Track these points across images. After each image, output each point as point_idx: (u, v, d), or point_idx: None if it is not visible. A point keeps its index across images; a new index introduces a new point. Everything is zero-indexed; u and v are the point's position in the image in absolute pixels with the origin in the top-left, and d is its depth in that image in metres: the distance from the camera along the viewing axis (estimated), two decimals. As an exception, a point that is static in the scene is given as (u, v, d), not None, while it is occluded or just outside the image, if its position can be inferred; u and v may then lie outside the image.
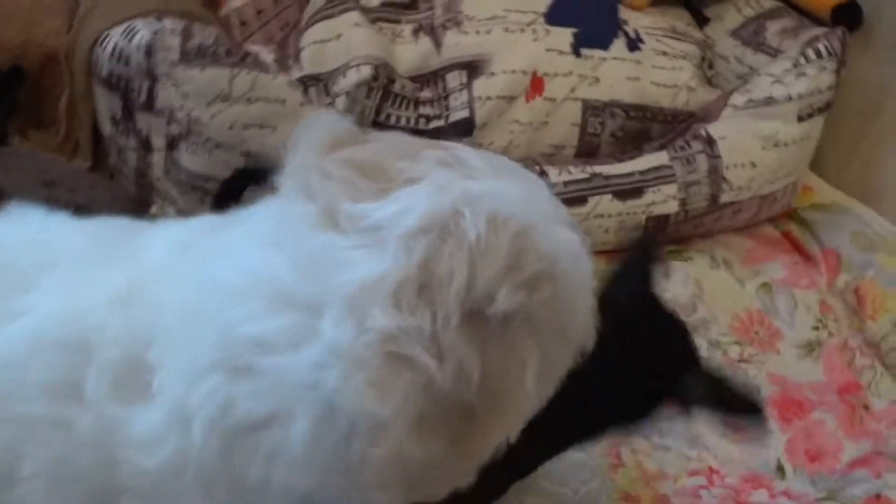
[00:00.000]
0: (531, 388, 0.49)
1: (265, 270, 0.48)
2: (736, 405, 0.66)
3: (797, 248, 1.17)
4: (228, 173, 0.79)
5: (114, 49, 0.84)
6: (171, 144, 0.86)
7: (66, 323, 0.51)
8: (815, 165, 1.20)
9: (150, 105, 0.85)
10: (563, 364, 0.53)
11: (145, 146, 0.88)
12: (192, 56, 0.82)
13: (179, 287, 0.51)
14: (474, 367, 0.47)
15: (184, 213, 0.88)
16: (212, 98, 0.83)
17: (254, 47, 1.06)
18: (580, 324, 0.52)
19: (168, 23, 0.82)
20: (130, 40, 0.83)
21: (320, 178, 0.50)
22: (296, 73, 1.00)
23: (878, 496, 0.91)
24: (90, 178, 0.92)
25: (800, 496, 0.90)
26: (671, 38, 1.14)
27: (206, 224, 0.55)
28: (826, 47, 1.08)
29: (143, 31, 0.83)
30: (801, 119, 1.07)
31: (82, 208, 0.77)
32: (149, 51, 0.82)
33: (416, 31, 1.05)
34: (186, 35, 0.82)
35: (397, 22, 1.06)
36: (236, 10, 1.11)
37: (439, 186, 0.49)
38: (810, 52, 1.07)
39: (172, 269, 0.52)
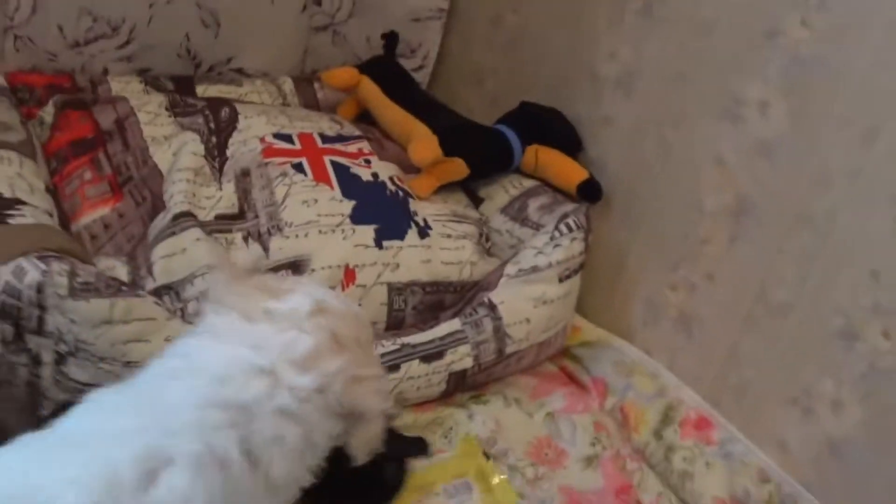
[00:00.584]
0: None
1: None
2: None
3: (572, 379, 1.45)
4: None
5: (6, 287, 1.04)
6: (59, 360, 1.05)
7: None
8: (580, 309, 1.50)
9: (40, 329, 1.04)
10: None
11: (35, 361, 1.06)
12: (79, 291, 1.03)
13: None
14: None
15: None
16: (97, 323, 1.03)
17: (107, 261, 1.27)
18: None
19: (55, 265, 1.03)
20: (21, 280, 1.03)
21: (236, 296, 0.87)
22: (150, 285, 1.21)
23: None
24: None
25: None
26: (453, 221, 1.42)
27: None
28: (575, 221, 1.38)
29: (32, 272, 1.03)
30: (561, 280, 1.35)
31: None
32: (39, 288, 1.02)
33: (245, 238, 1.28)
34: (72, 274, 1.03)
35: (229, 231, 1.29)
36: (86, 227, 1.30)
37: (306, 293, 0.88)
38: (563, 227, 1.36)
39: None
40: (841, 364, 1.17)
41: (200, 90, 1.59)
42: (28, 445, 0.79)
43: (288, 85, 1.68)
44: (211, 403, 0.80)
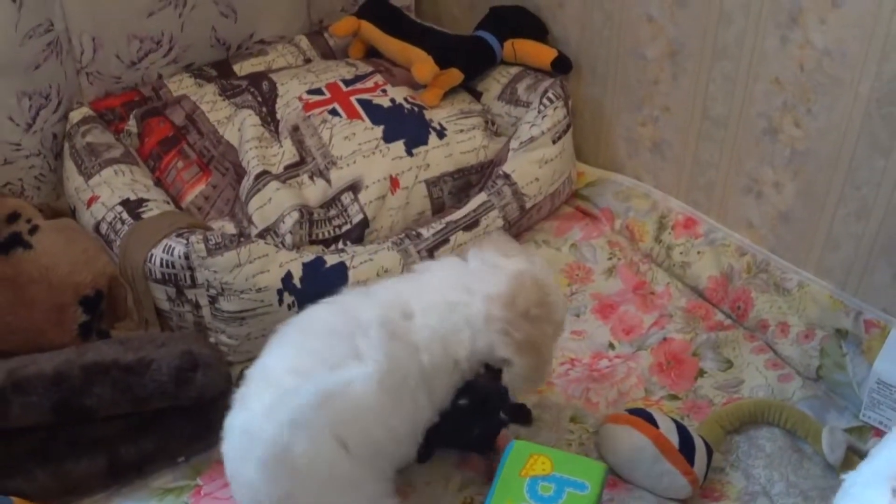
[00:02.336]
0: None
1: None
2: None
3: (585, 213, 1.88)
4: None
5: (161, 261, 1.51)
6: (213, 301, 1.53)
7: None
8: (580, 157, 1.93)
9: (193, 283, 1.51)
10: None
11: (196, 306, 1.54)
12: (213, 250, 1.49)
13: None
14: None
15: (232, 337, 1.55)
16: (231, 268, 1.49)
17: (217, 223, 1.73)
18: None
19: (192, 238, 1.50)
20: (171, 254, 1.50)
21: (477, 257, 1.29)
22: (254, 231, 1.67)
23: (664, 339, 1.63)
24: (163, 336, 1.56)
25: (625, 356, 1.62)
26: (461, 118, 1.84)
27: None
28: (553, 93, 1.80)
29: (178, 246, 1.50)
30: (554, 142, 1.77)
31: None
32: (187, 256, 1.49)
33: (311, 177, 1.72)
34: (206, 240, 1.49)
35: (297, 176, 1.73)
36: (192, 202, 1.75)
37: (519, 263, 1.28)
38: (545, 101, 1.78)
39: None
40: (772, 154, 1.59)
41: (237, 68, 2.01)
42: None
43: (304, 42, 2.10)
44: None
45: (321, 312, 1.27)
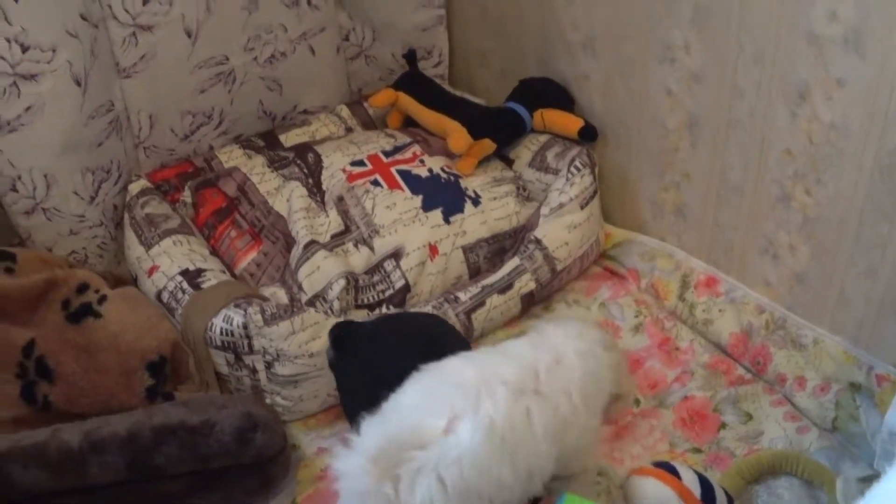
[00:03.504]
0: None
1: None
2: None
3: (613, 273, 2.03)
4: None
5: (221, 330, 1.67)
6: (268, 366, 1.69)
7: None
8: (607, 219, 2.07)
9: (250, 350, 1.68)
10: None
11: (253, 371, 1.70)
12: (269, 320, 1.65)
13: None
14: None
15: (287, 398, 1.71)
16: (286, 336, 1.65)
17: (268, 289, 1.89)
18: None
19: (250, 309, 1.66)
20: (230, 323, 1.66)
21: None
22: (304, 298, 1.82)
23: (686, 397, 1.77)
24: (223, 398, 1.72)
25: (648, 411, 1.75)
26: (495, 185, 1.99)
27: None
28: (580, 161, 1.95)
29: (236, 317, 1.66)
30: (582, 207, 1.92)
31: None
32: (245, 326, 1.65)
33: (355, 245, 1.88)
34: (262, 311, 1.66)
35: (343, 244, 1.89)
36: (244, 269, 1.92)
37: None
38: (573, 168, 1.94)
39: None
40: (786, 218, 1.72)
41: (283, 138, 2.19)
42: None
43: (345, 111, 2.27)
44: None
45: (457, 363, 1.41)
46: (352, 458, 1.29)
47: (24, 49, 1.73)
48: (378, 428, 1.31)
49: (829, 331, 1.72)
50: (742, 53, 1.67)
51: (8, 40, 1.71)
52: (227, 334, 1.68)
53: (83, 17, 1.80)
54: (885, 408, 1.57)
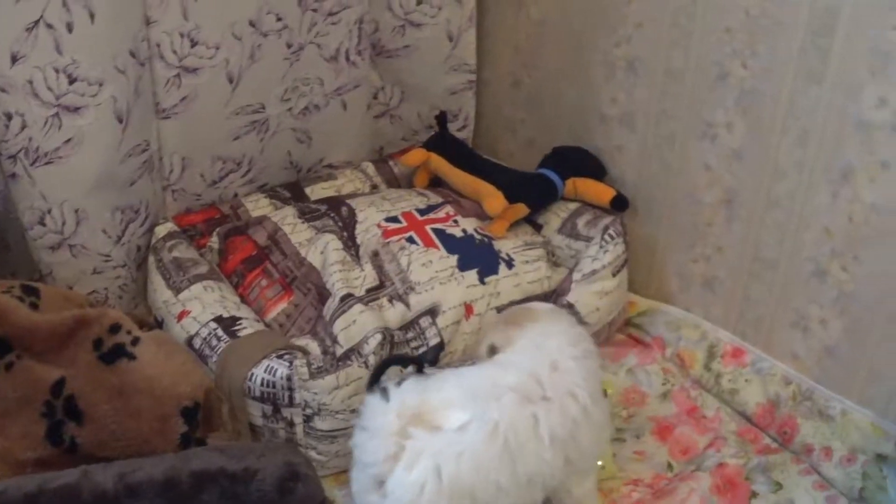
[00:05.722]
0: None
1: None
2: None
3: (638, 342, 2.08)
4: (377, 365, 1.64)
5: (262, 381, 1.68)
6: (307, 420, 1.69)
7: None
8: (633, 288, 2.12)
9: (290, 403, 1.68)
10: None
11: (290, 424, 1.70)
12: (315, 374, 1.66)
13: None
14: None
15: (322, 454, 1.71)
16: (331, 390, 1.66)
17: (298, 341, 1.90)
18: None
19: (296, 361, 1.66)
20: (274, 374, 1.67)
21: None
22: (339, 350, 1.83)
23: (720, 464, 1.80)
24: (260, 447, 1.71)
25: (683, 475, 1.78)
26: (527, 249, 2.04)
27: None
28: (614, 230, 2.01)
29: (280, 368, 1.67)
30: (614, 275, 1.98)
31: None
32: (289, 378, 1.66)
33: (390, 300, 1.90)
34: (308, 364, 1.67)
35: (377, 299, 1.91)
36: (274, 319, 1.93)
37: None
38: (607, 237, 1.99)
39: None
40: (819, 293, 1.79)
41: (309, 191, 2.22)
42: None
43: (370, 168, 2.31)
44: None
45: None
46: (381, 401, 1.44)
47: (72, 81, 1.75)
48: (416, 389, 1.44)
49: (857, 403, 1.79)
50: (786, 136, 1.74)
51: (56, 70, 1.72)
52: (268, 385, 1.68)
53: (132, 54, 1.82)
54: (913, 479, 1.64)
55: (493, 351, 1.58)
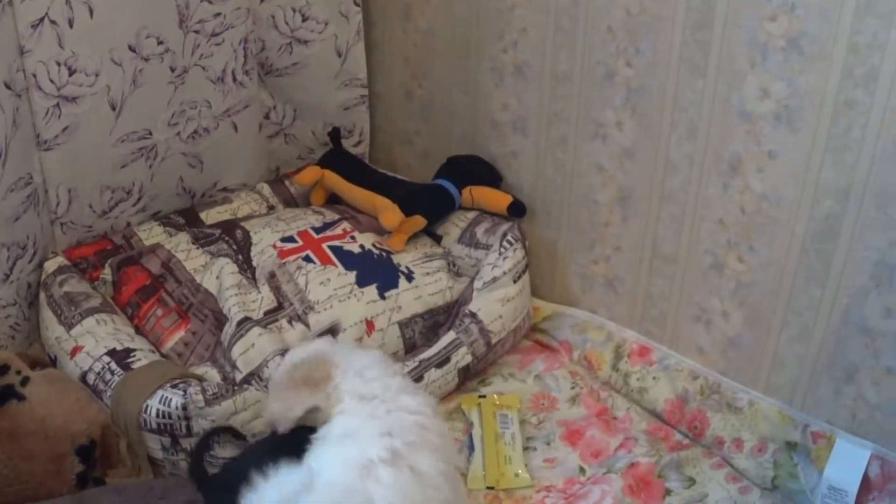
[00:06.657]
0: None
1: None
2: None
3: (545, 347, 2.07)
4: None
5: (157, 412, 1.63)
6: (208, 448, 1.64)
7: None
8: (536, 294, 2.11)
9: (188, 433, 1.63)
10: None
11: (190, 455, 1.65)
12: (211, 401, 1.61)
13: None
14: None
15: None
16: (228, 416, 1.62)
17: (198, 368, 1.85)
18: None
19: (190, 389, 1.62)
20: (168, 405, 1.62)
21: None
22: (238, 376, 1.79)
23: (632, 464, 1.79)
24: (160, 486, 1.66)
25: (595, 478, 1.77)
26: (426, 261, 2.02)
27: None
28: (512, 236, 2.00)
29: (175, 398, 1.62)
30: (515, 281, 1.97)
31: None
32: (185, 407, 1.61)
33: (289, 321, 1.86)
34: (203, 391, 1.62)
35: (276, 321, 1.87)
36: (172, 349, 1.88)
37: None
38: (505, 243, 1.98)
39: None
40: (719, 286, 1.80)
41: (204, 216, 2.17)
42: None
43: (266, 189, 2.27)
44: None
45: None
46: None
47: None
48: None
49: (763, 393, 1.80)
50: (675, 130, 1.75)
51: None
52: (164, 416, 1.63)
53: (7, 86, 1.76)
54: (822, 464, 1.68)
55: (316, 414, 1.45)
